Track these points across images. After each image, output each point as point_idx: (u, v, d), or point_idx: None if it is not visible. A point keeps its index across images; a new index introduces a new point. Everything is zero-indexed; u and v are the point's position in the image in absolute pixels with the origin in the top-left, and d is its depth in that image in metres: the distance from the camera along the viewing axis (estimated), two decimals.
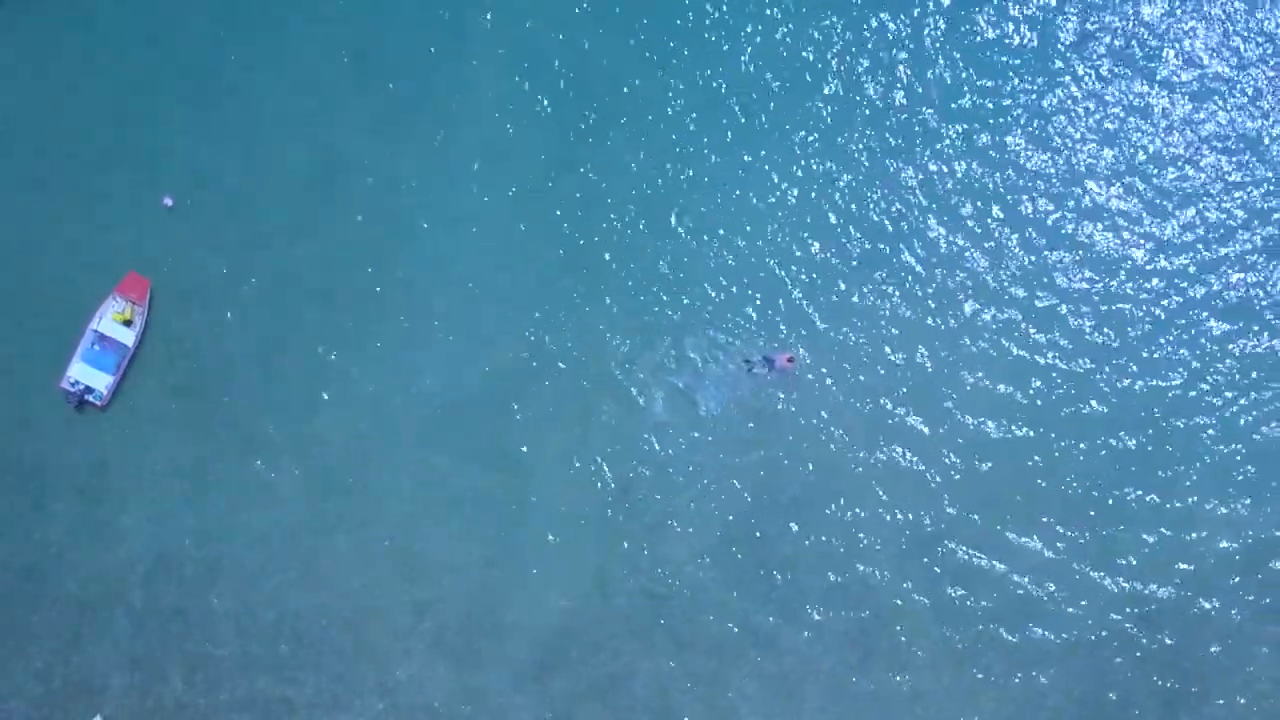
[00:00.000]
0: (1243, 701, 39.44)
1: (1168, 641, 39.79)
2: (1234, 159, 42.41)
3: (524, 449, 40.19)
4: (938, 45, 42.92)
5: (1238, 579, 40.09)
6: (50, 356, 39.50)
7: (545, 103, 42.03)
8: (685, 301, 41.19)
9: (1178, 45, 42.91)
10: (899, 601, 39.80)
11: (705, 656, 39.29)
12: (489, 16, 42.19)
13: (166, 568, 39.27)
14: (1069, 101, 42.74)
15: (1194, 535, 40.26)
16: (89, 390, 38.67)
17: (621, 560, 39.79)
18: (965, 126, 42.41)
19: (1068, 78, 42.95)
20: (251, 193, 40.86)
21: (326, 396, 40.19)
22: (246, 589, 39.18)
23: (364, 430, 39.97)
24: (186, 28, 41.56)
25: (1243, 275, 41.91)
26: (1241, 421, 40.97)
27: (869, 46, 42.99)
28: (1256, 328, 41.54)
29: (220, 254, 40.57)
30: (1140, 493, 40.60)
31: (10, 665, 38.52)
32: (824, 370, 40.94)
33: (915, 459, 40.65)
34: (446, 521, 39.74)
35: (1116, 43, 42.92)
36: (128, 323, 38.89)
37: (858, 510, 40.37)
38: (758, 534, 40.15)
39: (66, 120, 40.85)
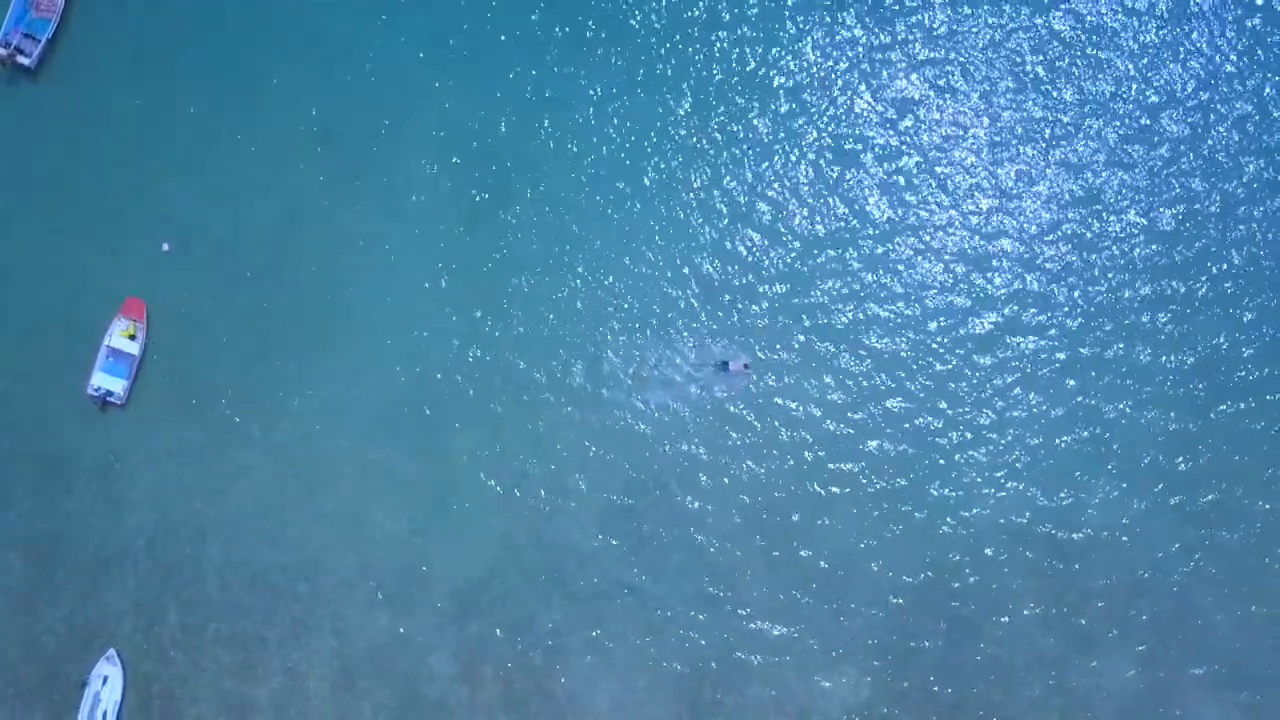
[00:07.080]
0: (1006, 644, 43.04)
1: (952, 599, 43.29)
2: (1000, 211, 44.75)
3: (446, 442, 42.95)
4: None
5: (1008, 544, 43.45)
6: (72, 366, 42.33)
7: (470, 168, 44.09)
8: (583, 326, 43.63)
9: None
10: (741, 560, 43.00)
11: (590, 605, 42.20)
12: (427, 101, 44.40)
13: (165, 534, 42.07)
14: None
15: (973, 510, 43.52)
16: (109, 393, 42.32)
17: (523, 530, 42.51)
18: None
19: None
20: (232, 239, 43.35)
21: (290, 400, 42.86)
22: (228, 550, 42.11)
23: (320, 427, 42.86)
24: (182, 108, 43.92)
25: (1011, 307, 44.61)
26: (1012, 421, 44.18)
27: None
28: (1022, 351, 44.34)
29: (208, 287, 43.16)
30: (929, 476, 43.76)
31: (41, 610, 41.73)
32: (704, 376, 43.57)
33: (752, 451, 43.71)
34: (384, 499, 42.61)
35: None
36: (132, 337, 42.41)
37: (708, 491, 43.52)
38: (630, 507, 42.95)
39: (83, 181, 43.10)
